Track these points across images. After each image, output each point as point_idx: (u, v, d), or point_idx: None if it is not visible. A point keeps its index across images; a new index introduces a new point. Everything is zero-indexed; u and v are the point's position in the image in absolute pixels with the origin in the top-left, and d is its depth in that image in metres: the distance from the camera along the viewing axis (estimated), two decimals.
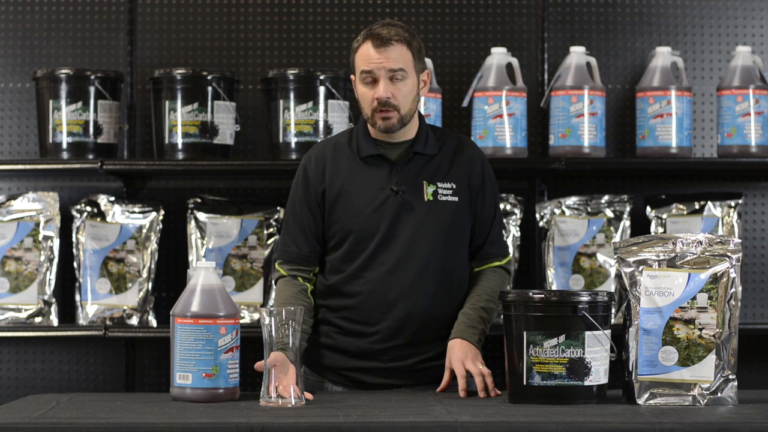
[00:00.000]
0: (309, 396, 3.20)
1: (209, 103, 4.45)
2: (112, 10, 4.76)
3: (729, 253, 3.16)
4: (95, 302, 4.49)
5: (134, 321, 4.49)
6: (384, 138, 3.55)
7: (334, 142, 3.64)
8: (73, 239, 4.55)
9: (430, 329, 3.52)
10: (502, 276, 3.61)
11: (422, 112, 3.66)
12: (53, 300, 4.50)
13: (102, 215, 4.55)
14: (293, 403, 3.06)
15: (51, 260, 4.51)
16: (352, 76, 3.57)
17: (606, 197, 4.57)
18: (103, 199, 4.56)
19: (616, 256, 3.21)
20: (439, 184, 3.55)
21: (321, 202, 3.56)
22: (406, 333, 3.51)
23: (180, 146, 4.45)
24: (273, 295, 3.65)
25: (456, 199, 3.55)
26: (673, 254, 3.16)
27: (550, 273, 4.54)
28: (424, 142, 3.57)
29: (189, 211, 4.56)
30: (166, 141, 4.47)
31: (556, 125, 4.50)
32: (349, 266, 3.53)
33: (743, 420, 2.87)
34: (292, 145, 4.44)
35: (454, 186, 3.56)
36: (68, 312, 4.63)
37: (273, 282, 3.65)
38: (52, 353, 4.74)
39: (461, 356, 3.39)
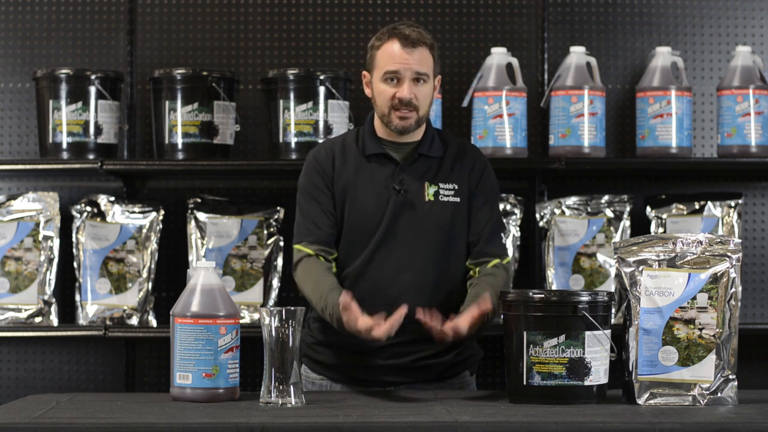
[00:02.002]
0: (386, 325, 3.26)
1: (209, 103, 4.45)
2: (112, 10, 4.76)
3: (729, 253, 3.16)
4: (95, 302, 4.49)
5: (134, 321, 4.49)
6: (390, 138, 3.56)
7: (341, 139, 3.65)
8: (73, 239, 4.55)
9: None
10: (501, 273, 3.59)
11: None
12: (53, 300, 4.50)
13: (102, 215, 4.55)
14: (293, 403, 3.06)
15: (51, 260, 4.51)
16: (365, 73, 3.56)
17: (606, 197, 4.57)
18: (103, 199, 4.56)
19: (616, 256, 3.21)
20: (441, 185, 3.56)
21: (333, 189, 3.56)
22: (406, 332, 3.51)
23: (180, 146, 4.45)
24: (297, 279, 3.54)
25: (458, 200, 3.56)
26: (673, 254, 3.16)
27: (550, 273, 4.54)
28: (430, 145, 3.58)
29: (189, 211, 4.56)
30: (166, 141, 4.47)
31: (556, 125, 4.50)
32: (350, 264, 3.54)
33: (743, 420, 2.87)
34: (292, 145, 4.44)
35: (456, 187, 3.56)
36: (68, 312, 4.63)
37: (294, 264, 3.56)
38: (52, 353, 4.74)
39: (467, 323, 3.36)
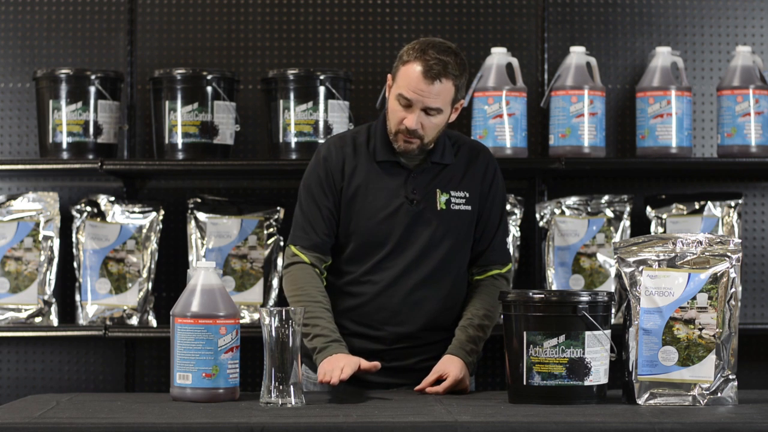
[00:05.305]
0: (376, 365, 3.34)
1: (209, 103, 4.45)
2: (112, 10, 4.76)
3: (729, 253, 3.16)
4: (95, 302, 4.49)
5: (134, 321, 4.49)
6: None
7: (353, 139, 3.57)
8: (73, 239, 4.55)
9: (433, 333, 3.52)
10: (501, 286, 3.59)
11: None
12: (53, 300, 4.50)
13: (102, 215, 4.55)
14: (293, 403, 3.06)
15: (51, 260, 4.51)
16: (389, 77, 3.49)
17: (606, 197, 4.57)
18: (103, 199, 4.56)
19: (616, 256, 3.21)
20: (453, 193, 3.52)
21: (339, 195, 3.54)
22: (409, 337, 3.51)
23: (180, 146, 4.45)
24: (284, 280, 3.54)
25: (469, 208, 3.53)
26: (673, 254, 3.16)
27: (550, 273, 4.54)
28: (442, 152, 3.53)
29: (189, 211, 4.56)
30: (166, 141, 4.47)
31: (556, 125, 4.50)
32: (356, 269, 3.52)
33: (743, 420, 2.87)
34: (292, 145, 4.44)
35: (467, 195, 3.54)
36: (68, 312, 4.62)
37: (286, 264, 3.54)
38: (52, 353, 4.74)
39: (449, 366, 3.40)
